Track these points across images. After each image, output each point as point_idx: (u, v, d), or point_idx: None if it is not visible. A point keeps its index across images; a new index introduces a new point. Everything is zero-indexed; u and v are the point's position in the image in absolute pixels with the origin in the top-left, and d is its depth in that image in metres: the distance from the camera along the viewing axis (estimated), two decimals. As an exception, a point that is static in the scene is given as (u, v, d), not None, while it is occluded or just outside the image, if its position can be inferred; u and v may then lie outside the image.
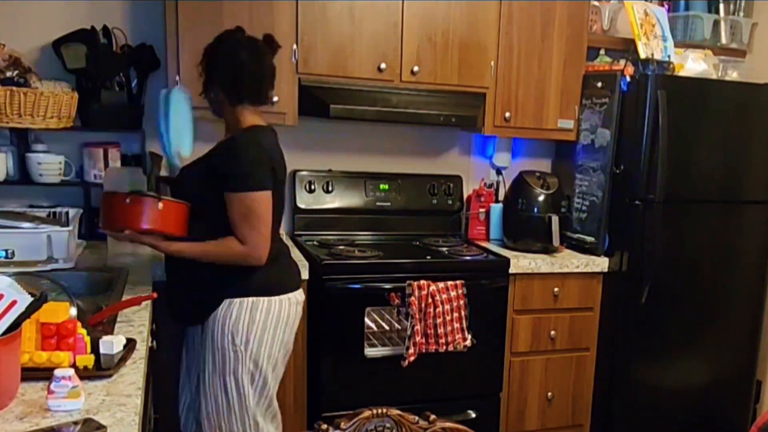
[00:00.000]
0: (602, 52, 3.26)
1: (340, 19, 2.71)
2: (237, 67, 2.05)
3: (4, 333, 1.24)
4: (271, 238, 2.04)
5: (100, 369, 1.43)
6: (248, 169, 1.96)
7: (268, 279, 2.06)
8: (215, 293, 2.04)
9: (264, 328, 2.05)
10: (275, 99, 2.67)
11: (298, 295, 2.17)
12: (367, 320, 2.63)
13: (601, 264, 3.02)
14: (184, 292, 2.12)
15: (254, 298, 2.03)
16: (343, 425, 1.26)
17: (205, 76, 2.10)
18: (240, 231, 1.98)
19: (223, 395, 2.08)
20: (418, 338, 2.60)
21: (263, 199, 1.98)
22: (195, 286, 2.08)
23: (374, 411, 1.28)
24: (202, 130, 2.94)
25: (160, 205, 1.95)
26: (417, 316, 2.60)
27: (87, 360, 1.43)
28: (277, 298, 2.07)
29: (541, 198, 3.02)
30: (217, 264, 2.02)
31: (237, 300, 2.03)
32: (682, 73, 3.08)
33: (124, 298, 1.97)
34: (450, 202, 3.27)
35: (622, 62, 3.02)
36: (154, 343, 2.02)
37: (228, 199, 1.98)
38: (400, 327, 2.67)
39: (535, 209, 3.02)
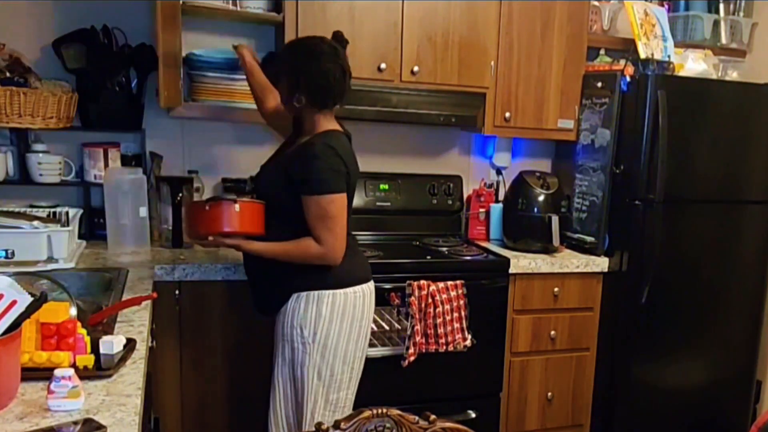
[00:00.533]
0: (602, 52, 3.26)
1: (340, 19, 2.71)
2: (325, 76, 2.08)
3: (4, 333, 1.24)
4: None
5: (100, 369, 1.43)
6: (325, 173, 2.02)
7: (333, 273, 2.10)
8: (283, 288, 2.12)
9: (331, 320, 2.09)
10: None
11: (366, 288, 2.19)
12: (367, 320, 2.63)
13: (601, 264, 3.02)
14: (258, 284, 2.23)
15: (320, 292, 2.09)
16: (343, 425, 1.26)
17: (287, 81, 2.13)
18: (317, 232, 2.04)
19: (291, 387, 2.16)
20: (418, 338, 2.60)
21: (339, 202, 2.04)
22: (266, 281, 2.18)
23: (374, 411, 1.28)
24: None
25: (237, 206, 2.03)
26: (417, 316, 2.60)
27: (87, 360, 1.42)
28: (342, 291, 2.11)
29: (541, 198, 3.02)
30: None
31: (304, 294, 2.10)
32: (682, 73, 3.08)
33: (124, 298, 1.97)
34: (450, 202, 3.27)
35: (622, 62, 3.02)
36: (154, 343, 2.03)
37: (305, 202, 2.04)
38: (400, 327, 2.67)
39: (535, 209, 3.01)
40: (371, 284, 2.24)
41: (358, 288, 2.16)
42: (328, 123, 2.15)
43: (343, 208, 2.07)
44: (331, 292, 2.10)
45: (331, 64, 2.08)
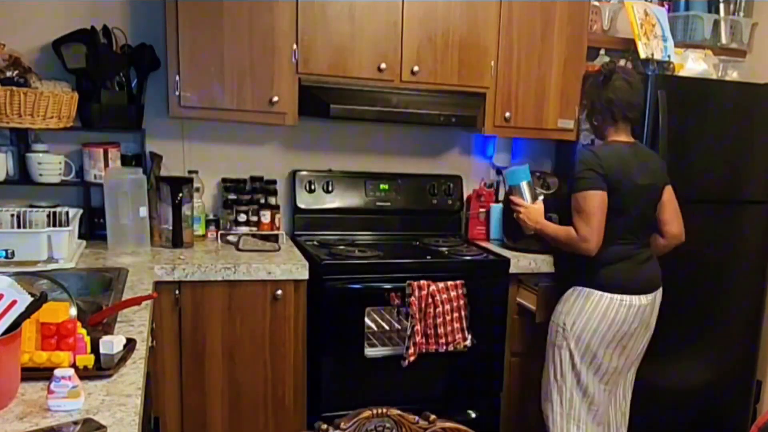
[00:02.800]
0: (602, 52, 3.25)
1: (340, 19, 2.71)
2: (609, 101, 2.46)
3: (4, 333, 1.24)
4: (606, 237, 2.37)
5: (100, 369, 1.43)
6: (578, 173, 2.39)
7: (606, 277, 2.42)
8: (569, 282, 2.51)
9: (589, 317, 2.42)
10: (275, 99, 2.68)
11: (635, 299, 2.43)
12: (367, 320, 2.63)
13: (601, 264, 3.02)
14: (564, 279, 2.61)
15: (589, 290, 2.43)
16: (343, 425, 1.26)
17: (591, 106, 2.55)
18: (574, 223, 2.40)
19: (551, 364, 2.54)
20: (418, 338, 2.60)
21: (588, 198, 2.36)
22: (561, 278, 2.64)
23: (374, 411, 1.28)
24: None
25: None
26: (417, 316, 2.60)
27: (87, 360, 1.43)
28: (608, 294, 2.41)
29: (541, 198, 3.01)
30: (570, 259, 2.49)
31: (579, 288, 2.46)
32: (682, 73, 3.08)
33: (124, 298, 1.97)
34: (450, 202, 3.27)
35: (622, 62, 3.02)
36: (154, 343, 2.03)
37: (571, 200, 2.42)
38: (400, 327, 2.67)
39: (535, 209, 3.01)
40: (642, 297, 2.45)
41: (626, 297, 2.41)
42: (615, 135, 2.49)
43: (595, 203, 2.35)
44: (599, 292, 2.41)
45: (626, 88, 2.45)
